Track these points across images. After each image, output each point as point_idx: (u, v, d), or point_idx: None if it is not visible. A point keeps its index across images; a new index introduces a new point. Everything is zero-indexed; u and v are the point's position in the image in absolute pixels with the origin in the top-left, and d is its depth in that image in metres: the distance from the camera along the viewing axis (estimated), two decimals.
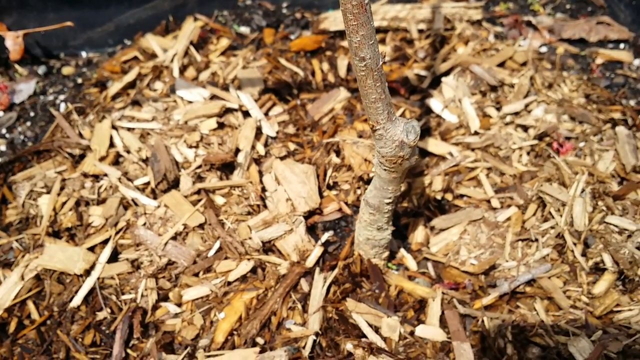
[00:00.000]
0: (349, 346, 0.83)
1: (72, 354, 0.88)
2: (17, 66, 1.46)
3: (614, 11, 1.53)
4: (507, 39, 1.46)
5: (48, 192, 1.05)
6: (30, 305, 0.95)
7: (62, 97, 1.35)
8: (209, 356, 0.84)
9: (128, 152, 1.09)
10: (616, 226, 0.92)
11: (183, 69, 1.32)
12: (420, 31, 1.44)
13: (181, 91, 1.19)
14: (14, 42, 1.36)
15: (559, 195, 0.96)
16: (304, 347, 0.84)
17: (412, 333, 0.86)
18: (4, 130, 1.32)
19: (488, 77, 1.21)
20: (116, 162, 1.08)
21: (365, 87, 0.69)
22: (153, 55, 1.38)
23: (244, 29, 1.48)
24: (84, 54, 1.49)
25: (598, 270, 0.91)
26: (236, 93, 1.20)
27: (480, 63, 1.27)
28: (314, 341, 0.85)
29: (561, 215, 0.95)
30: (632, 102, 1.28)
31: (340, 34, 1.43)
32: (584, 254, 0.92)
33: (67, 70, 1.45)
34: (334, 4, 1.56)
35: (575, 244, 0.92)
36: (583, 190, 0.96)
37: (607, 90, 1.29)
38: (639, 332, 0.82)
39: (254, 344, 0.86)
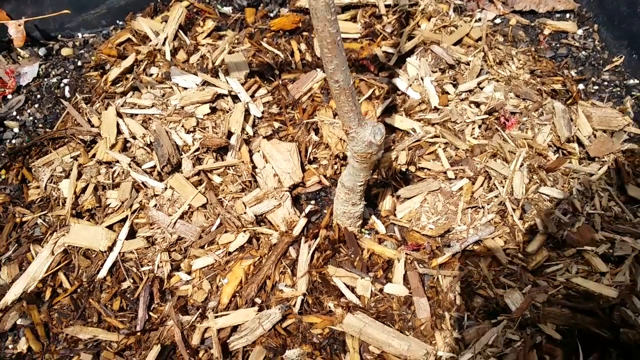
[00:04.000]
0: (330, 305, 1.01)
1: (103, 318, 1.04)
2: (19, 49, 1.55)
3: None
4: (467, 11, 1.58)
5: (67, 177, 1.18)
6: (62, 276, 1.10)
7: (65, 80, 1.46)
8: (217, 316, 1.01)
9: (134, 138, 1.22)
10: (547, 195, 1.09)
11: (174, 52, 1.43)
12: (388, 6, 1.55)
13: (176, 78, 1.31)
14: (16, 30, 1.46)
15: (501, 170, 1.12)
16: (294, 305, 1.02)
17: (381, 290, 1.04)
18: (14, 113, 1.43)
19: (446, 57, 1.34)
20: (124, 148, 1.22)
21: (339, 101, 0.83)
22: (145, 37, 1.49)
23: (227, 9, 1.57)
24: (79, 35, 1.59)
25: (532, 232, 1.08)
26: (225, 79, 1.32)
27: (440, 41, 1.39)
28: (302, 300, 1.02)
29: (503, 187, 1.11)
30: (573, 72, 1.43)
31: None
32: (521, 218, 1.09)
33: (65, 52, 1.54)
34: None
35: (514, 210, 1.09)
36: (522, 165, 1.12)
37: (551, 62, 1.44)
38: (562, 283, 1.01)
39: (253, 304, 1.03)
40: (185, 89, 1.30)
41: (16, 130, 1.38)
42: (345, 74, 0.79)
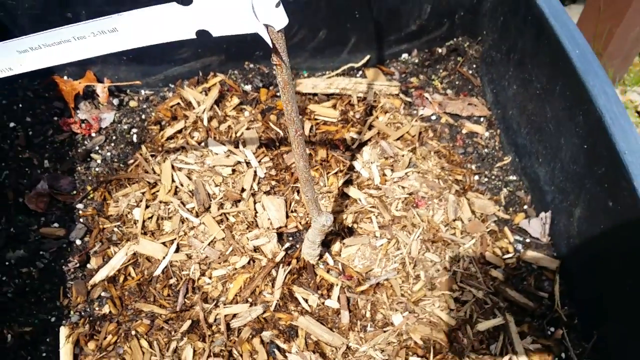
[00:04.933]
0: (292, 308, 1.71)
1: (157, 299, 1.74)
2: (99, 93, 2.20)
3: (484, 91, 2.32)
4: (414, 105, 2.25)
5: (138, 207, 1.87)
6: (131, 269, 1.79)
7: (134, 130, 2.12)
8: (225, 306, 1.71)
9: (182, 185, 1.90)
10: (429, 257, 1.80)
11: (209, 120, 2.10)
12: (359, 98, 2.22)
13: (211, 145, 1.99)
14: (102, 91, 2.12)
15: (405, 238, 1.82)
16: (271, 306, 1.71)
17: (323, 303, 1.74)
18: (97, 148, 2.10)
19: (389, 150, 2.03)
20: (175, 192, 1.90)
21: (306, 204, 1.52)
22: (189, 104, 2.15)
23: (248, 87, 2.24)
24: (142, 92, 2.24)
25: (417, 278, 1.79)
26: (243, 149, 2.00)
27: (388, 135, 2.08)
28: (276, 303, 1.72)
29: (405, 248, 1.81)
30: (473, 166, 2.12)
31: (311, 96, 2.21)
32: (413, 269, 1.80)
33: (132, 104, 2.20)
34: (307, 67, 2.32)
35: (409, 264, 1.79)
36: (419, 235, 1.82)
37: (461, 156, 2.12)
38: (430, 311, 1.71)
39: (246, 302, 1.72)
40: (216, 154, 1.98)
41: (99, 161, 2.05)
42: (312, 191, 1.48)
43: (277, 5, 1.11)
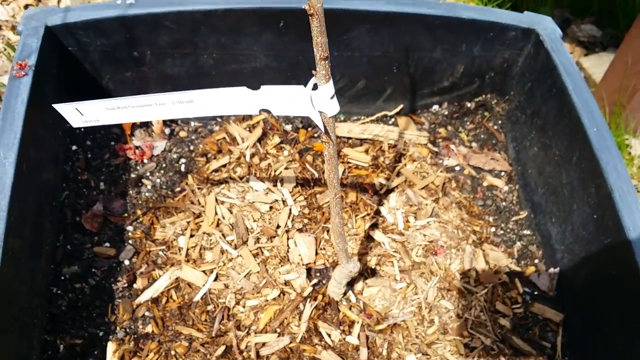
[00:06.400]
0: (316, 341, 1.87)
1: (195, 324, 1.91)
2: (153, 124, 2.38)
3: (507, 147, 2.46)
4: (440, 155, 2.40)
5: (183, 235, 2.04)
6: (173, 292, 1.96)
7: (182, 160, 2.30)
8: (256, 335, 1.87)
9: (223, 218, 2.07)
10: (444, 304, 1.95)
11: (252, 156, 2.26)
12: (390, 145, 2.37)
13: (251, 182, 2.15)
14: (156, 122, 2.30)
15: (423, 285, 1.97)
16: (297, 337, 1.88)
17: (344, 339, 1.89)
18: (148, 174, 2.27)
19: (414, 199, 2.18)
20: (218, 224, 2.07)
21: (337, 252, 1.67)
22: (234, 139, 2.32)
23: (288, 127, 2.40)
24: (192, 124, 2.42)
25: (432, 322, 1.93)
26: (280, 188, 2.16)
27: (414, 184, 2.23)
28: (302, 336, 1.88)
29: (422, 293, 1.96)
30: (491, 219, 2.26)
31: (345, 139, 2.37)
32: (429, 313, 1.95)
33: (182, 134, 2.38)
34: (344, 112, 2.48)
35: (425, 308, 1.94)
36: (435, 283, 1.97)
37: (480, 208, 2.27)
38: (440, 354, 1.87)
39: (275, 332, 1.89)
40: (256, 190, 2.14)
41: (149, 187, 2.22)
42: (341, 238, 1.64)
43: (332, 98, 1.27)
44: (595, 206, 1.82)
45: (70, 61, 2.07)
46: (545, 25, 2.16)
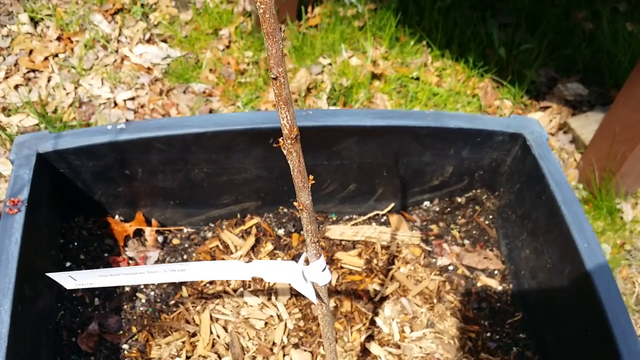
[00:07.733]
0: None
1: None
2: (147, 235, 2.37)
3: (499, 243, 2.46)
4: (433, 254, 2.40)
5: (179, 357, 2.02)
6: None
7: None
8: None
9: (219, 337, 2.05)
10: None
11: None
12: (382, 246, 2.37)
13: (246, 298, 2.14)
14: (149, 234, 2.29)
15: None
16: None
17: None
18: (142, 287, 2.26)
19: (408, 308, 2.17)
20: (213, 344, 2.05)
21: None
22: (227, 247, 2.32)
23: (281, 232, 2.40)
24: (185, 230, 2.42)
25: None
26: (275, 301, 2.15)
27: (409, 290, 2.22)
28: None
29: None
30: (486, 323, 2.25)
31: (338, 242, 2.37)
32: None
33: (175, 241, 2.37)
34: (336, 212, 2.48)
35: None
36: None
37: (474, 312, 2.26)
38: None
39: None
40: (251, 306, 2.13)
41: (143, 300, 2.21)
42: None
43: (324, 270, 1.27)
44: (588, 324, 1.82)
45: (63, 182, 2.07)
46: (532, 129, 2.18)
